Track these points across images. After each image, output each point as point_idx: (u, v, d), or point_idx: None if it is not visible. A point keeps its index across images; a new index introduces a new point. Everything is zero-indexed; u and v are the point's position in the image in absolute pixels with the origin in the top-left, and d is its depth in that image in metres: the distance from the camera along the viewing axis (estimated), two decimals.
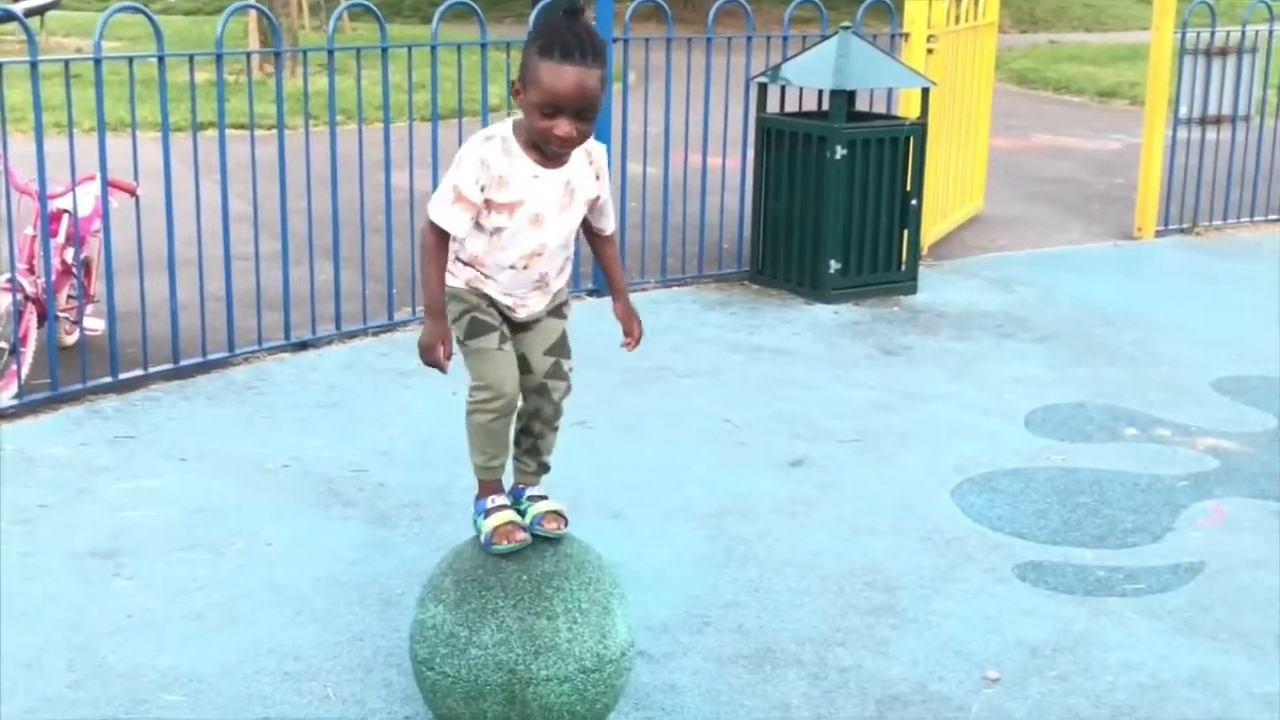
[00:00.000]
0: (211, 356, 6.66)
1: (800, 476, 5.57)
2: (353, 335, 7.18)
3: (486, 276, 3.53)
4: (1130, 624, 4.42)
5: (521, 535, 3.57)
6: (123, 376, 6.35)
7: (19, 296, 6.16)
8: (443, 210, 3.42)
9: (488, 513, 3.64)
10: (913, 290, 8.31)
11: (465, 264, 3.55)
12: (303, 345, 6.99)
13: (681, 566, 4.76)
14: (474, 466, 3.70)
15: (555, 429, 3.73)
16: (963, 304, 8.16)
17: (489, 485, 3.70)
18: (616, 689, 3.64)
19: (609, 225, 3.72)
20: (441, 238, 3.46)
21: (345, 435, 5.85)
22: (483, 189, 3.39)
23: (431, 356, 3.51)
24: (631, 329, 3.73)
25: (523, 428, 3.70)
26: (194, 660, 4.09)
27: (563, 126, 3.30)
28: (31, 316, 6.30)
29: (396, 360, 6.75)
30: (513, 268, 3.51)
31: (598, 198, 3.59)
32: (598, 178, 3.56)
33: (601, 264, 3.83)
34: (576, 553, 3.64)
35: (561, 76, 3.26)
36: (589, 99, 3.29)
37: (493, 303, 3.57)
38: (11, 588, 4.49)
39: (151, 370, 6.47)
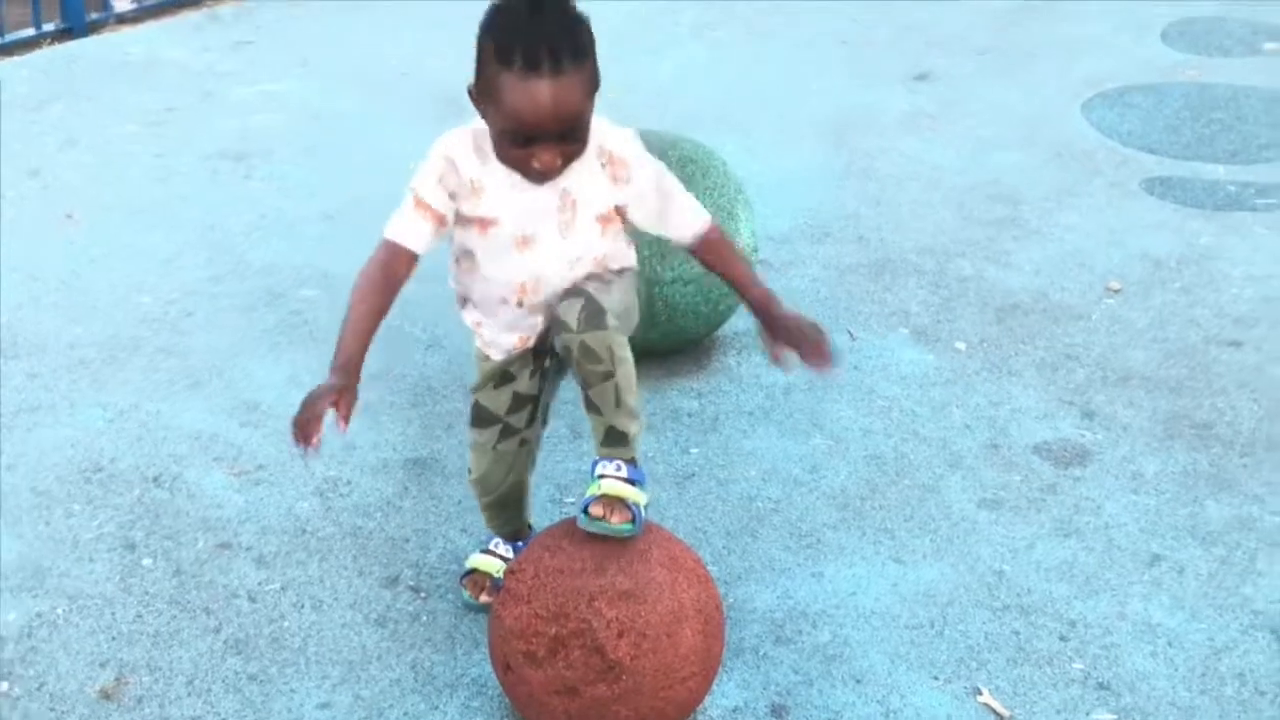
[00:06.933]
0: None
1: (925, 90, 5.45)
2: None
3: (486, 315, 2.54)
4: (1258, 238, 4.36)
5: (485, 599, 2.82)
6: None
7: None
8: (395, 218, 2.40)
9: (481, 551, 2.91)
10: None
11: (464, 300, 2.58)
12: None
13: (802, 179, 4.74)
14: None
15: (607, 376, 2.36)
16: None
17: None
18: None
19: (686, 230, 2.49)
20: (384, 266, 2.38)
21: (464, 47, 5.78)
22: (451, 195, 2.39)
23: (303, 426, 2.23)
24: (803, 342, 2.41)
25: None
26: (327, 259, 4.20)
27: (543, 156, 2.30)
28: None
29: None
30: (505, 302, 2.48)
31: (621, 206, 2.44)
32: (618, 180, 2.41)
33: (717, 272, 2.54)
34: (701, 157, 3.63)
35: (530, 96, 2.24)
36: (570, 119, 2.27)
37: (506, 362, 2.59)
38: (147, 188, 4.61)
39: None
